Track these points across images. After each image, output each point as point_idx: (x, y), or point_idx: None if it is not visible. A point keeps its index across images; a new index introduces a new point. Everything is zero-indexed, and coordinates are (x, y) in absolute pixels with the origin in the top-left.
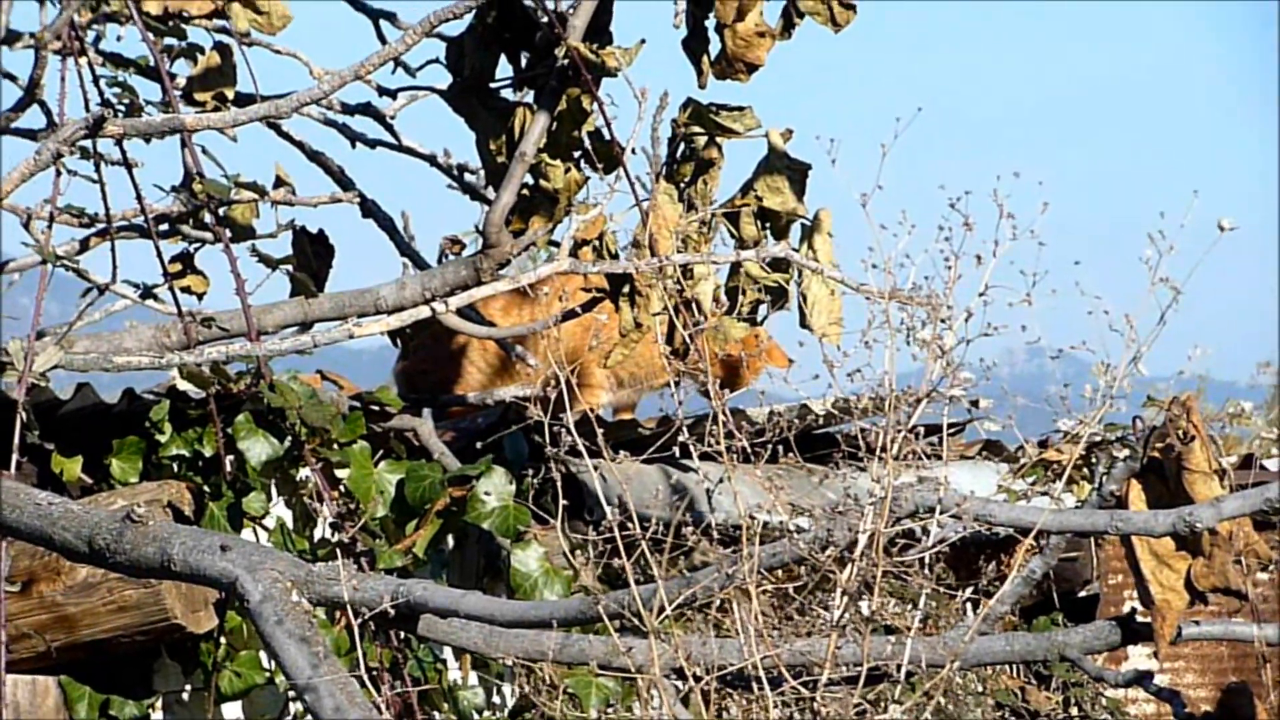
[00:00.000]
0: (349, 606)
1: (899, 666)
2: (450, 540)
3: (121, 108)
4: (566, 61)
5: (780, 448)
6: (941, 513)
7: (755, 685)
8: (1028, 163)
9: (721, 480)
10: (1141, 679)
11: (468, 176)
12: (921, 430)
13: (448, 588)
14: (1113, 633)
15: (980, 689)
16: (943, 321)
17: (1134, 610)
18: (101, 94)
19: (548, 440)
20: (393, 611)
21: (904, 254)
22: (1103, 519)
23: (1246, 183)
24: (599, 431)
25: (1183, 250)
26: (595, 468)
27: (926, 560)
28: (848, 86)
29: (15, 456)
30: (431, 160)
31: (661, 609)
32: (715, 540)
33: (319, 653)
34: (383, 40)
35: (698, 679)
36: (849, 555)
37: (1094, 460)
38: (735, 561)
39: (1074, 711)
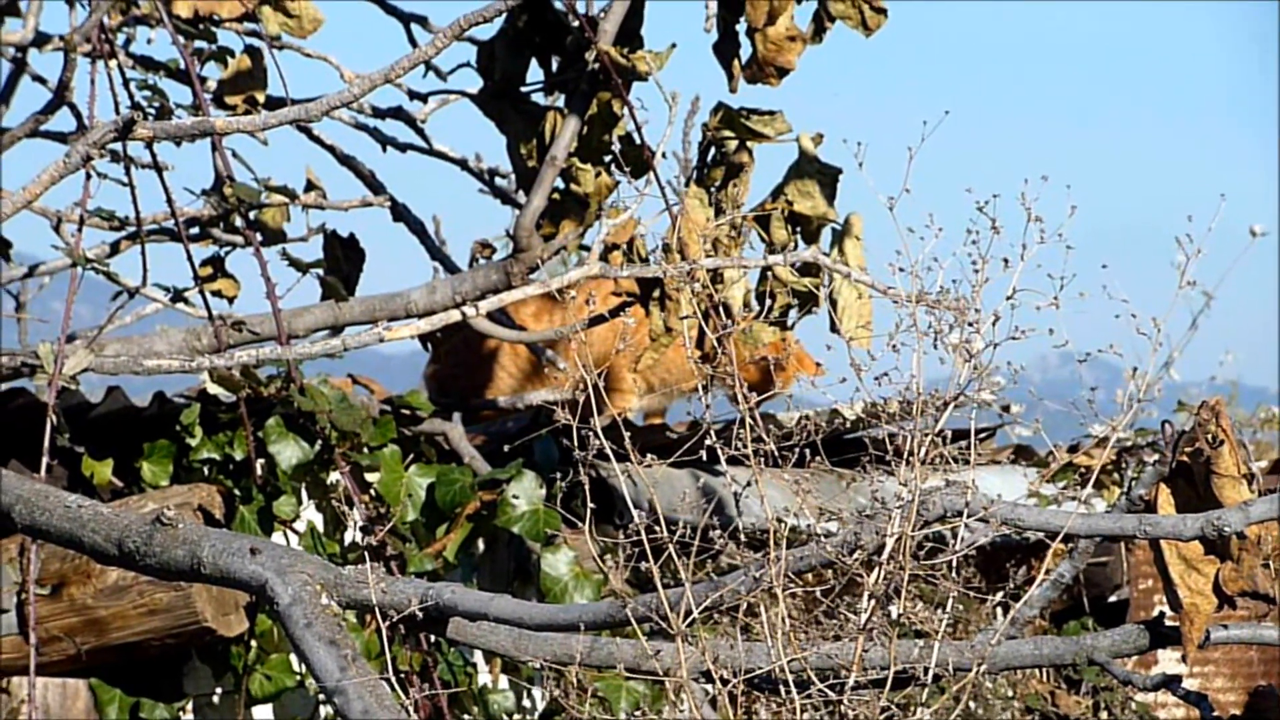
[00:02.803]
0: (378, 609)
1: (927, 670)
2: (480, 544)
3: (152, 111)
4: (597, 65)
5: (808, 451)
6: (970, 516)
7: (783, 688)
8: (1055, 165)
9: (749, 484)
10: (1170, 683)
11: (498, 180)
12: (950, 434)
13: (477, 591)
14: (1141, 637)
15: (1009, 693)
16: (970, 325)
17: (1163, 614)
18: (131, 97)
19: (577, 444)
20: (421, 614)
21: (932, 257)
22: (1131, 523)
23: (1273, 186)
24: (628, 436)
25: (1213, 255)
26: (624, 472)
27: (955, 564)
28: (878, 90)
29: (46, 459)
30: (462, 164)
31: (689, 612)
32: (743, 544)
33: (348, 655)
34: (413, 44)
35: (725, 682)
36: (877, 559)
37: (1123, 465)
38: (763, 565)
39: (1103, 716)
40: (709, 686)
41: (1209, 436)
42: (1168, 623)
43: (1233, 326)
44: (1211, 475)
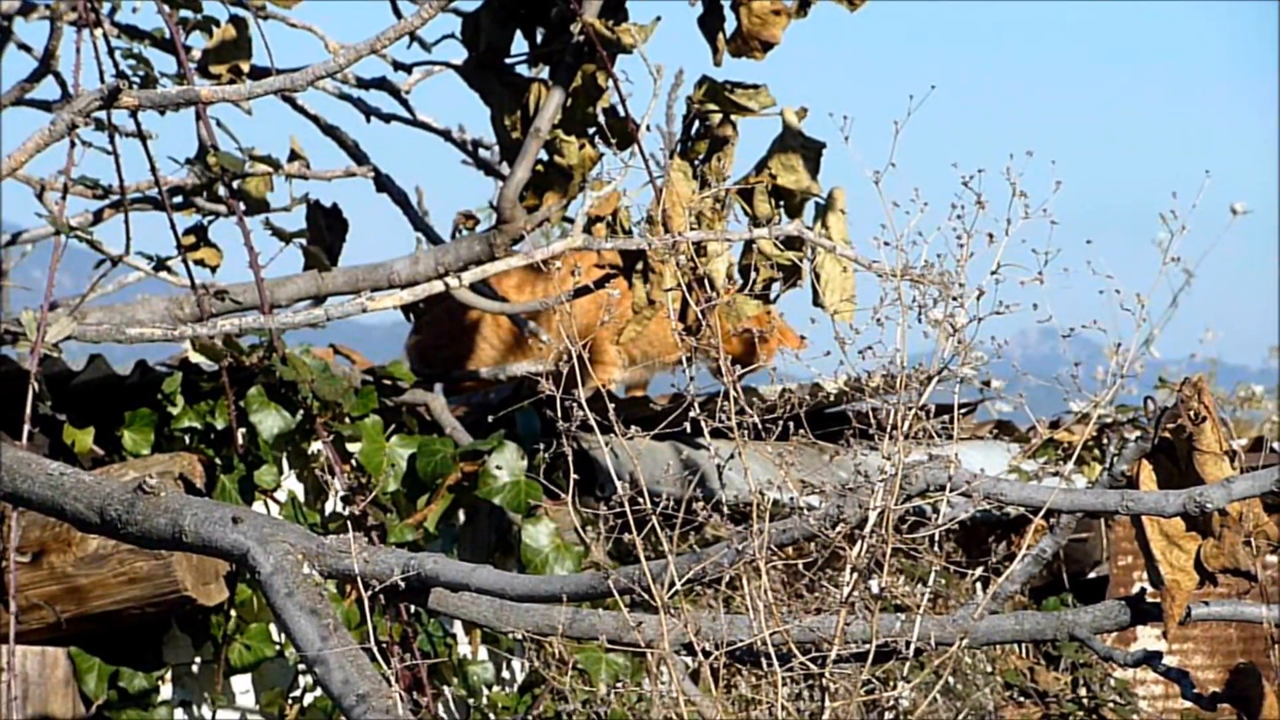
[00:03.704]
0: (360, 579)
1: (908, 644)
2: (461, 515)
3: (136, 79)
4: (582, 37)
5: (791, 425)
6: (952, 491)
7: (764, 661)
8: (1040, 141)
9: (732, 457)
10: (1150, 659)
11: (482, 152)
12: (932, 409)
13: (459, 561)
14: (1122, 613)
15: (989, 668)
16: (954, 300)
17: (1143, 590)
18: (116, 66)
19: (559, 416)
20: (403, 585)
21: (916, 231)
22: (1113, 499)
23: (1260, 166)
24: (610, 408)
25: (1194, 233)
26: (606, 444)
27: (937, 538)
28: (863, 64)
29: (27, 427)
30: (446, 135)
31: (671, 585)
32: (726, 517)
33: (329, 625)
34: (398, 14)
35: (707, 654)
36: (859, 533)
37: (1105, 441)
38: (745, 538)
39: (1082, 692)
40: (690, 659)
41: (1191, 413)
42: (1148, 599)
43: (1214, 305)
44: (1194, 452)
